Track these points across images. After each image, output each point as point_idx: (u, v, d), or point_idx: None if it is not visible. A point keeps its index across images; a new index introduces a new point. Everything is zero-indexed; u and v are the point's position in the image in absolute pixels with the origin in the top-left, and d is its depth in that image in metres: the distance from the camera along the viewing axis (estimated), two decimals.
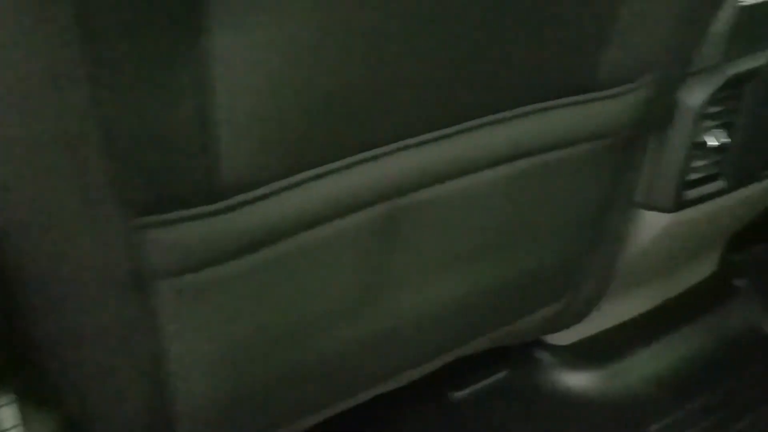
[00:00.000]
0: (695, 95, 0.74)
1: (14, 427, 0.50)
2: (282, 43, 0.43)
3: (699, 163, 0.80)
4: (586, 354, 1.07)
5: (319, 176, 0.50)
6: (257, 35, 0.42)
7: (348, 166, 0.51)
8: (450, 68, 0.52)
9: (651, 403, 1.05)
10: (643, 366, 1.09)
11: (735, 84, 0.76)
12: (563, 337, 1.04)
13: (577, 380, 1.06)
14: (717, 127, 0.79)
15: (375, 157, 0.52)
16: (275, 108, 0.45)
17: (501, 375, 1.04)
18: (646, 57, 0.61)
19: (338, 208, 0.52)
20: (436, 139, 0.55)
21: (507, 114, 0.57)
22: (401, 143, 0.53)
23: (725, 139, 0.79)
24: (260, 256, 0.50)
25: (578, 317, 0.86)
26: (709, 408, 1.05)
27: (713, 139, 0.79)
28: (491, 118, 0.57)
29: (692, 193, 0.81)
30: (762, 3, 0.74)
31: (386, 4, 0.46)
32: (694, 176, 0.80)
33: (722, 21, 0.72)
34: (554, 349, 1.06)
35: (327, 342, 0.60)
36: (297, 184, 0.49)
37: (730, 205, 0.91)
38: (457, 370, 0.91)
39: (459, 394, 1.01)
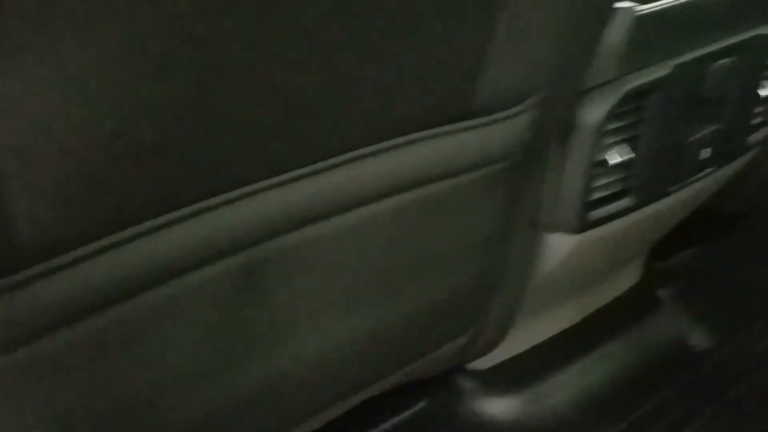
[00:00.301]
0: (593, 112, 0.70)
1: None
2: (77, 87, 0.37)
3: (604, 181, 0.75)
4: (507, 377, 1.02)
5: (151, 231, 0.44)
6: (42, 80, 0.35)
7: (187, 217, 0.45)
8: (308, 100, 0.47)
9: (576, 426, 1.01)
10: (567, 386, 1.05)
11: (636, 98, 0.72)
12: (482, 361, 0.99)
13: (499, 406, 1.01)
14: (620, 142, 0.75)
15: (223, 204, 0.46)
16: (80, 158, 0.39)
17: (420, 406, 0.99)
18: (530, 78, 0.57)
19: (183, 263, 0.46)
20: (298, 179, 0.49)
21: (380, 147, 0.52)
22: (255, 186, 0.47)
23: (630, 155, 0.75)
24: (89, 324, 0.44)
25: (488, 347, 0.81)
26: (637, 427, 1.02)
27: (617, 155, 0.75)
28: (361, 151, 0.51)
29: (597, 213, 0.76)
30: (658, 10, 0.71)
31: (221, 32, 0.40)
32: (600, 194, 0.76)
33: (617, 32, 0.68)
34: (474, 375, 1.01)
35: (192, 407, 0.54)
36: (123, 242, 0.43)
37: (647, 217, 0.88)
38: (373, 405, 0.86)
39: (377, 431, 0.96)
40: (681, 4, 0.73)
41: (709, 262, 1.26)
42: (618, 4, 0.67)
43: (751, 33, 0.80)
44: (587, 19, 0.59)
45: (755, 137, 0.90)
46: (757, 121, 0.89)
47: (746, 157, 0.96)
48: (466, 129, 0.55)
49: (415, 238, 0.59)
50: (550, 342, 1.06)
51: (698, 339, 1.14)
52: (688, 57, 0.75)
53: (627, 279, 1.17)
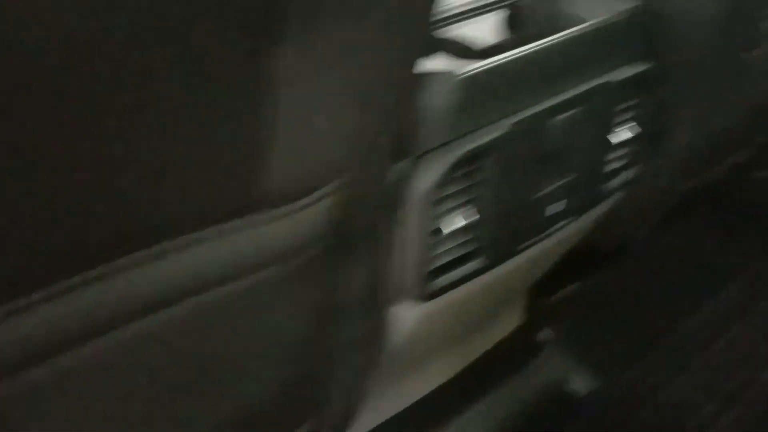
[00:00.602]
0: (423, 180, 0.65)
1: None
2: None
3: (447, 246, 0.71)
4: None
5: None
6: None
7: None
8: (39, 207, 0.41)
9: None
10: None
11: (473, 160, 0.69)
12: (355, 428, 0.94)
13: None
14: (464, 204, 0.71)
15: None
16: None
17: None
18: (329, 161, 0.52)
19: None
20: (31, 306, 0.43)
21: (144, 254, 0.46)
22: None
23: (474, 217, 0.71)
24: None
25: (338, 429, 0.76)
26: None
27: (461, 218, 0.71)
28: (129, 259, 0.45)
29: (444, 280, 0.72)
30: (485, 70, 0.67)
31: None
32: (445, 259, 0.72)
33: (439, 97, 0.64)
34: None
35: None
36: None
37: (507, 272, 0.84)
38: None
39: None
40: (512, 62, 0.69)
41: (592, 299, 1.25)
42: (437, 68, 0.64)
43: (596, 82, 0.77)
44: (388, 93, 0.54)
45: (614, 183, 0.87)
46: (613, 167, 0.86)
47: (612, 200, 0.94)
48: (255, 224, 0.49)
49: (207, 346, 0.53)
50: (426, 400, 1.02)
51: (583, 381, 1.12)
52: (527, 113, 0.71)
53: (508, 322, 1.14)
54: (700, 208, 1.38)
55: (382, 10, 0.47)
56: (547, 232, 0.81)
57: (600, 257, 1.20)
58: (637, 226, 1.09)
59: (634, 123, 0.86)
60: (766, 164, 1.48)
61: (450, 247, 0.71)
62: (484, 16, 0.81)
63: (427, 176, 0.65)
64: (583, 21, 0.79)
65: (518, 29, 0.81)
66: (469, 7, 0.80)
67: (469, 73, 0.65)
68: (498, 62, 0.68)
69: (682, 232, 1.37)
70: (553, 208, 0.80)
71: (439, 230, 0.69)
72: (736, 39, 0.90)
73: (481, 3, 0.81)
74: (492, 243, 0.74)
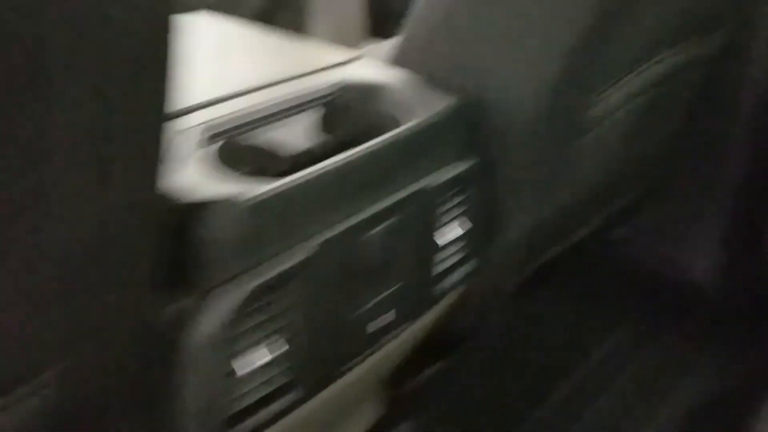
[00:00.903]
0: (211, 319, 0.58)
1: None
2: None
3: (255, 384, 0.64)
4: None
5: None
6: None
7: None
8: None
9: None
10: None
11: (273, 288, 0.62)
12: None
13: None
14: (267, 336, 0.64)
15: None
16: None
17: None
18: (45, 345, 0.44)
19: None
20: None
21: None
22: None
23: (283, 348, 0.65)
24: None
25: None
26: None
27: (265, 352, 0.64)
28: None
29: (255, 420, 0.65)
30: (279, 193, 0.61)
31: None
32: (253, 398, 0.65)
33: (223, 228, 0.57)
34: None
35: None
36: None
37: (351, 381, 0.78)
38: None
39: None
40: (315, 177, 0.64)
41: (452, 383, 1.20)
42: (224, 193, 0.57)
43: (411, 189, 0.73)
44: (114, 247, 0.46)
45: (448, 282, 0.83)
46: (446, 265, 0.82)
47: (454, 294, 0.89)
48: None
49: None
50: None
51: None
52: (336, 230, 0.66)
53: (366, 419, 1.08)
54: (560, 277, 1.36)
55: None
56: (377, 345, 0.76)
57: (455, 340, 1.15)
58: (484, 312, 1.05)
59: (464, 219, 0.82)
60: (622, 224, 1.49)
61: (255, 385, 0.64)
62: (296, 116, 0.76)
63: (216, 313, 0.58)
64: (398, 122, 0.74)
65: (332, 130, 0.76)
66: (279, 108, 0.75)
67: (260, 198, 0.59)
68: (297, 181, 0.62)
69: (543, 303, 1.35)
70: (380, 321, 0.74)
71: (239, 369, 0.62)
72: (565, 128, 0.88)
73: (292, 104, 0.75)
74: (308, 372, 0.68)
